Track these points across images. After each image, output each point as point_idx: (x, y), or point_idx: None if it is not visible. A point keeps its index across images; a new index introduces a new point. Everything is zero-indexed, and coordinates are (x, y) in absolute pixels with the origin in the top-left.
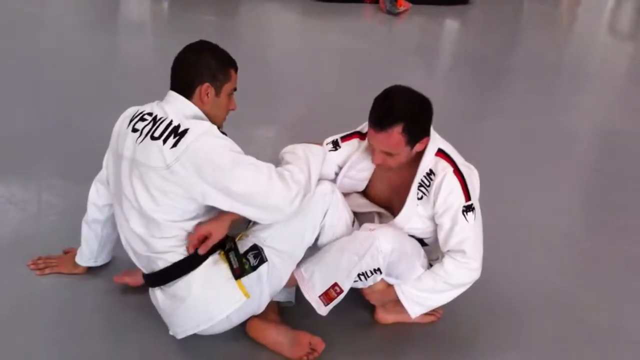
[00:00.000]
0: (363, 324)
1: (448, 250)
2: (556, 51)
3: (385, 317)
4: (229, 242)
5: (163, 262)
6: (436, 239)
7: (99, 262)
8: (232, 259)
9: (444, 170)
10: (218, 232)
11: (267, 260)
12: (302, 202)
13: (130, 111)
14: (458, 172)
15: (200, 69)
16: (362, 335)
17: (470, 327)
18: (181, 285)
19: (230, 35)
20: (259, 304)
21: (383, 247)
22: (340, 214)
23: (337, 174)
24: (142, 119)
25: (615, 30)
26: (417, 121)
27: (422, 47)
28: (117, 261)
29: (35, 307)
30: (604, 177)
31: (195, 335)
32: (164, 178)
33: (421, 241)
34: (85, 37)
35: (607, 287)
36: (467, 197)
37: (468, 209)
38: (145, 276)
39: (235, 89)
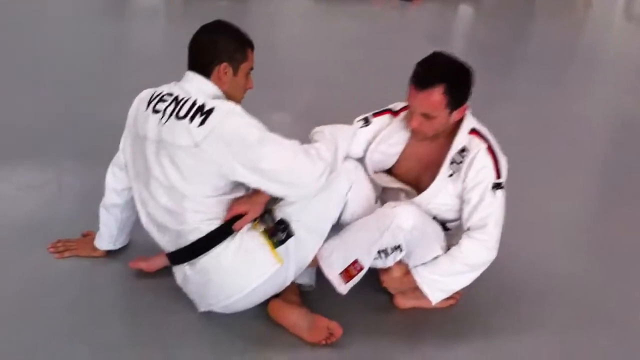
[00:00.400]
0: (381, 308)
1: (469, 228)
2: (571, 38)
3: (404, 302)
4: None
5: (196, 233)
6: (458, 225)
7: (118, 246)
8: (266, 219)
9: (477, 146)
10: (254, 211)
11: (294, 234)
12: (327, 179)
13: (146, 93)
14: (491, 150)
15: (217, 49)
16: (380, 319)
17: (487, 311)
18: (213, 255)
19: (243, 21)
20: (285, 279)
21: (404, 224)
22: (363, 190)
23: (366, 152)
24: (162, 100)
25: (631, 16)
26: (459, 85)
27: (435, 33)
28: (135, 244)
29: (54, 290)
30: (617, 165)
31: (215, 315)
32: (194, 156)
33: (443, 226)
34: (97, 24)
35: (621, 274)
36: (498, 174)
37: (497, 186)
38: (171, 254)
39: (252, 68)
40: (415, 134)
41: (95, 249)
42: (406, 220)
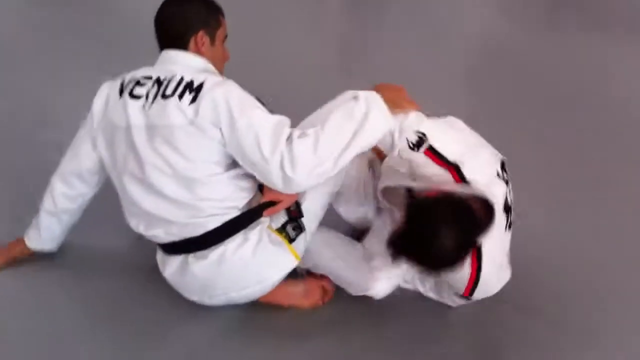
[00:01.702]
0: None
1: None
2: None
3: None
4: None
5: (211, 223)
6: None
7: (55, 247)
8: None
9: None
10: (288, 199)
11: (305, 230)
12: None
13: (109, 83)
14: None
15: (190, 18)
16: None
17: None
18: (232, 247)
19: None
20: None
21: (379, 294)
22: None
23: None
24: (140, 84)
25: None
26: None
27: None
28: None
29: None
30: (502, 90)
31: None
32: (190, 134)
33: None
34: None
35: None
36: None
37: None
38: (171, 245)
39: (226, 36)
40: None
41: (11, 250)
42: (382, 291)
